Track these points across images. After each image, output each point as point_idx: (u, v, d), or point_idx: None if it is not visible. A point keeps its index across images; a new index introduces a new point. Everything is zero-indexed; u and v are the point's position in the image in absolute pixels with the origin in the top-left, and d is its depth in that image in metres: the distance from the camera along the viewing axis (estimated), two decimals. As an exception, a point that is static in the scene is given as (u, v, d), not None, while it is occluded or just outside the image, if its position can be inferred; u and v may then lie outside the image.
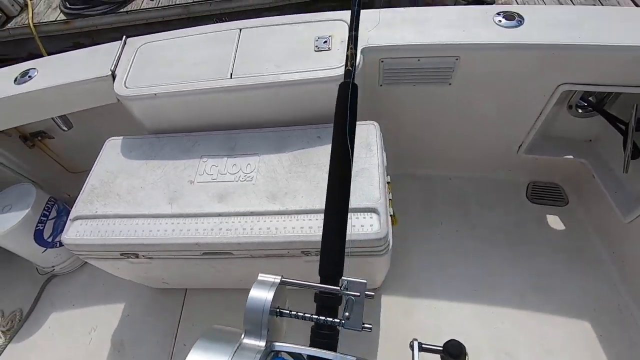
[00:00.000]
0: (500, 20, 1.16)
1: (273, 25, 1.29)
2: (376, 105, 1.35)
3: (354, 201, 1.00)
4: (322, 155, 1.14)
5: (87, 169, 1.23)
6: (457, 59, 1.16)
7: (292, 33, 1.25)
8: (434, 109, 1.39)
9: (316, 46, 1.19)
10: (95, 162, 1.25)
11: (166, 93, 1.18)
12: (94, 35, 3.49)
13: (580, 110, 1.37)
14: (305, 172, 1.11)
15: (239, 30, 1.30)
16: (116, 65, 1.29)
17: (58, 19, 3.39)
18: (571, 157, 1.43)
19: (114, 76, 1.27)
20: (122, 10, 3.31)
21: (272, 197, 1.09)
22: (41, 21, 3.40)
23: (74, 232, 1.12)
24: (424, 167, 1.69)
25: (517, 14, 1.17)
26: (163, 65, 1.26)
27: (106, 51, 1.35)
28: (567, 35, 1.09)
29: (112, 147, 1.29)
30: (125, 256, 1.13)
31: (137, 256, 1.13)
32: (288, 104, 1.21)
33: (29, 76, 1.35)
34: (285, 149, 1.18)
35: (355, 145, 0.65)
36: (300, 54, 1.18)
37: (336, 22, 1.25)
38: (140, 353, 1.44)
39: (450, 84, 1.25)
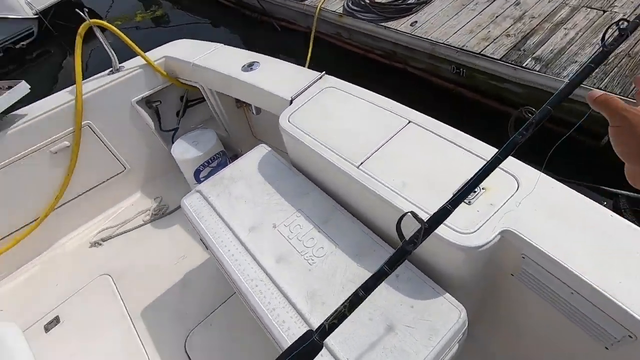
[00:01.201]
0: None
1: (440, 136, 1.14)
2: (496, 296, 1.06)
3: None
4: (384, 300, 1.00)
5: (266, 141, 1.45)
6: (631, 337, 0.76)
7: (449, 158, 1.08)
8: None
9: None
10: (241, 157, 1.48)
11: (307, 146, 1.25)
12: (352, 33, 3.95)
13: None
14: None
15: (407, 121, 1.22)
16: (298, 95, 1.43)
17: (337, 10, 3.99)
18: None
19: (291, 102, 1.43)
20: (383, 24, 3.58)
21: (309, 296, 1.05)
22: (326, 7, 4.08)
23: (189, 201, 1.39)
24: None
25: None
26: (326, 118, 1.32)
27: (305, 77, 1.51)
28: None
29: (259, 151, 1.49)
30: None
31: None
32: (390, 226, 1.09)
33: (252, 68, 1.67)
34: (361, 261, 1.09)
35: None
36: (434, 186, 1.02)
37: (506, 177, 1.00)
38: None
39: (606, 348, 0.84)
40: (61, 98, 1.87)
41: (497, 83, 3.03)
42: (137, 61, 1.98)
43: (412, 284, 1.01)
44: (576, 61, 2.73)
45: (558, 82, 2.62)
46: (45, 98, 1.91)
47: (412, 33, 3.40)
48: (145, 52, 1.96)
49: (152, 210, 2.18)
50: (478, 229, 0.91)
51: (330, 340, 0.95)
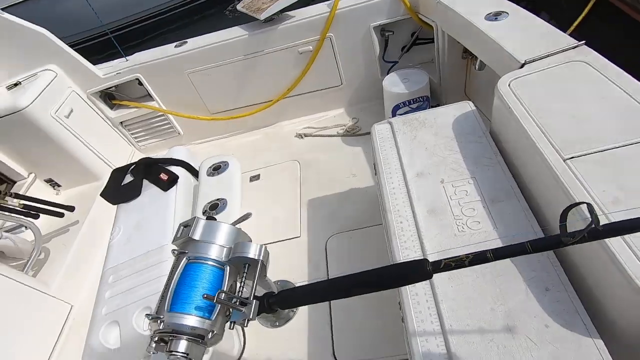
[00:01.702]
0: None
1: None
2: None
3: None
4: (515, 303, 0.92)
5: (475, 102, 1.44)
6: None
7: None
8: None
9: None
10: (442, 106, 1.47)
11: (516, 117, 1.12)
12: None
13: None
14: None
15: None
16: (534, 60, 1.26)
17: None
18: None
19: (522, 65, 1.27)
20: None
21: (441, 255, 1.06)
22: None
23: (379, 127, 1.51)
24: None
25: None
26: (558, 95, 1.13)
27: (556, 42, 1.29)
28: None
29: (462, 107, 1.43)
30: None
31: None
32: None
33: (497, 18, 1.51)
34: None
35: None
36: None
37: None
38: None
39: None
40: (319, 9, 2.20)
41: None
42: (389, -13, 2.09)
43: (561, 306, 0.88)
44: None
45: None
46: (307, 7, 2.28)
47: None
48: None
49: (347, 127, 2.47)
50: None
51: (442, 303, 0.97)
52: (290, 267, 1.84)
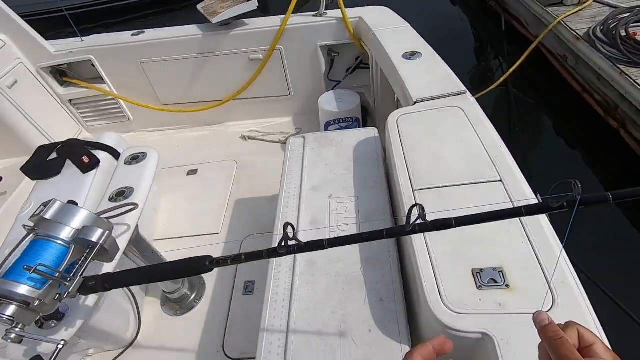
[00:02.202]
0: None
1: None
2: None
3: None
4: (354, 308, 1.05)
5: None
6: None
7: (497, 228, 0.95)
8: None
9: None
10: (352, 130, 1.62)
11: (392, 149, 1.28)
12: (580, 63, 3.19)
13: None
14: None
15: (499, 180, 1.08)
16: (423, 100, 1.42)
17: (577, 31, 3.28)
18: None
19: (414, 103, 1.43)
20: (621, 67, 2.71)
21: (308, 262, 1.19)
22: (567, 22, 3.41)
23: (293, 141, 1.64)
24: None
25: None
26: (429, 134, 1.29)
27: (448, 86, 1.46)
28: None
29: (368, 132, 1.58)
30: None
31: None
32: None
33: (411, 58, 1.69)
34: (365, 267, 1.14)
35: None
36: (458, 252, 0.94)
37: (546, 292, 0.83)
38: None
39: None
40: (272, 22, 2.32)
41: None
42: (336, 13, 2.24)
43: (387, 315, 1.02)
44: None
45: None
46: (261, 18, 2.40)
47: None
48: (347, 7, 2.19)
49: (289, 136, 2.59)
50: (464, 314, 0.83)
51: (295, 303, 1.09)
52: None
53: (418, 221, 0.66)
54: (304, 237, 1.24)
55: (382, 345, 0.97)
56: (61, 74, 2.66)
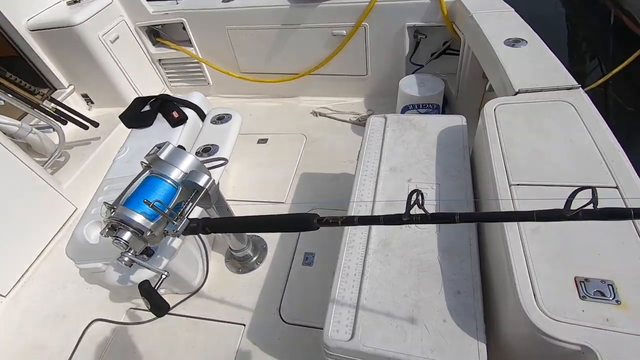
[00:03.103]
0: None
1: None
2: None
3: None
4: (427, 295, 1.02)
5: None
6: None
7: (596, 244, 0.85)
8: None
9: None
10: (438, 115, 1.54)
11: (487, 140, 1.20)
12: None
13: None
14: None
15: (615, 187, 0.97)
16: (527, 91, 1.31)
17: None
18: None
19: (516, 93, 1.32)
20: None
21: (382, 243, 1.17)
22: None
23: (374, 120, 1.61)
24: None
25: None
26: (532, 128, 1.19)
27: (557, 79, 1.33)
28: None
29: (455, 120, 1.50)
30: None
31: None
32: (491, 256, 1.01)
33: (514, 45, 1.55)
34: (443, 258, 1.10)
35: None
36: (559, 256, 0.86)
37: None
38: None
39: None
40: None
41: None
42: (431, -8, 2.12)
43: (464, 308, 0.98)
44: None
45: None
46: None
47: None
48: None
49: (360, 117, 2.56)
50: (562, 322, 0.77)
51: (367, 280, 1.09)
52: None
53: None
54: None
55: (456, 338, 0.93)
56: (155, 34, 2.84)
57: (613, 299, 0.78)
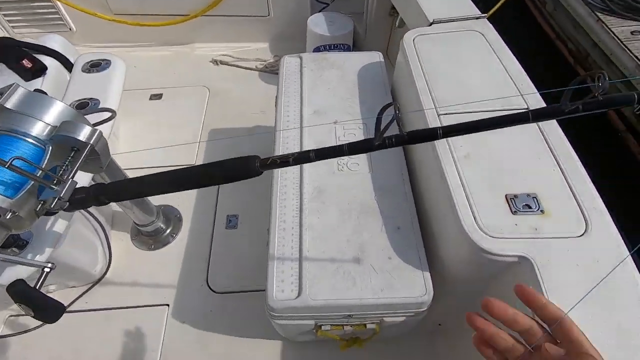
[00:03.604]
0: None
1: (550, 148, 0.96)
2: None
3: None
4: (369, 236, 0.99)
5: None
6: None
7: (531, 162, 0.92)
8: None
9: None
10: (354, 52, 1.46)
11: (410, 71, 1.16)
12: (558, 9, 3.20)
13: None
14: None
15: (526, 110, 1.03)
16: (441, 21, 1.30)
17: None
18: None
19: (430, 24, 1.30)
20: (600, 15, 2.75)
21: (316, 190, 1.09)
22: None
23: (288, 60, 1.45)
24: None
25: None
26: (450, 57, 1.18)
27: (466, 10, 1.34)
28: None
29: (372, 56, 1.44)
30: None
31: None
32: (428, 186, 1.03)
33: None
34: (379, 196, 1.07)
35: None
36: (493, 172, 0.90)
37: (578, 216, 0.82)
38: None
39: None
40: None
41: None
42: None
43: (405, 242, 0.98)
44: None
45: None
46: None
47: (624, 41, 2.63)
48: None
49: (267, 64, 2.34)
50: (500, 238, 0.80)
51: (306, 231, 1.01)
52: (179, 193, 1.75)
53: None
54: (309, 171, 1.14)
55: (403, 272, 0.93)
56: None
57: (538, 209, 0.84)
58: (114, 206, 1.63)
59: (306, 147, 1.19)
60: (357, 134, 1.22)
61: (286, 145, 1.21)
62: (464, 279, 0.94)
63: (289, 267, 0.96)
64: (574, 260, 0.77)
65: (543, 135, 0.98)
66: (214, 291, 1.46)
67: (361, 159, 1.16)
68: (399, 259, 0.95)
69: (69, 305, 1.41)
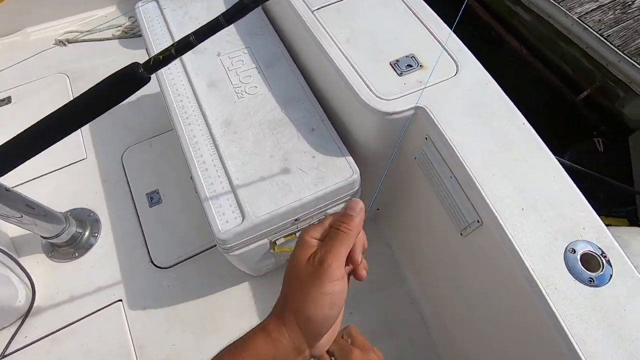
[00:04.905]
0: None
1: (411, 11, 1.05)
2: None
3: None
4: (290, 145, 1.03)
5: None
6: (479, 222, 0.82)
7: (407, 32, 1.02)
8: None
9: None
10: None
11: None
12: None
13: None
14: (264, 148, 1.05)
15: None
16: None
17: None
18: None
19: None
20: None
21: (225, 123, 1.07)
22: None
23: (144, 8, 1.31)
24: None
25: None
26: None
27: None
28: None
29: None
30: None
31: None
32: (324, 79, 1.08)
33: None
34: (286, 108, 1.09)
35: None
36: (374, 52, 0.98)
37: (449, 61, 0.95)
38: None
39: (461, 234, 0.91)
40: None
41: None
42: None
43: (323, 139, 1.04)
44: None
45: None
46: None
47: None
48: None
49: (124, 28, 2.08)
50: (395, 99, 0.90)
51: (228, 162, 1.01)
52: (83, 193, 1.58)
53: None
54: (211, 109, 1.10)
55: (330, 164, 1.00)
56: None
57: (418, 65, 0.95)
58: (12, 230, 1.42)
59: (198, 87, 1.14)
60: (245, 60, 1.19)
61: (176, 89, 1.14)
62: (378, 151, 1.04)
63: (225, 199, 0.96)
64: (454, 95, 0.90)
65: (405, 3, 1.07)
66: (163, 267, 1.41)
67: (257, 80, 1.15)
68: (322, 155, 1.01)
69: (4, 350, 1.25)
